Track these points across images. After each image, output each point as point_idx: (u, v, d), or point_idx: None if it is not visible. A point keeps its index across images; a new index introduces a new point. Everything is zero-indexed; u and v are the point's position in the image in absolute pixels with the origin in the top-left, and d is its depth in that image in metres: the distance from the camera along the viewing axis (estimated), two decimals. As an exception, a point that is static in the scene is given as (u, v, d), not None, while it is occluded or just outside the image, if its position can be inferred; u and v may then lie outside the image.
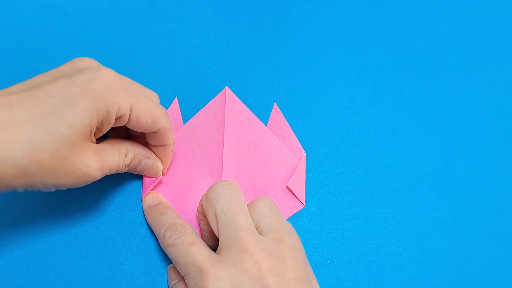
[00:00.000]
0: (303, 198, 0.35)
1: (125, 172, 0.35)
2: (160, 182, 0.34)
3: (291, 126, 0.37)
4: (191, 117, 0.36)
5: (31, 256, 0.33)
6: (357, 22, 0.41)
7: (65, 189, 0.28)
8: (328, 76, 0.39)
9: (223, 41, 0.39)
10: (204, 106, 0.37)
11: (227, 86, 0.37)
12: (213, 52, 0.39)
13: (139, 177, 0.35)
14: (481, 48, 0.41)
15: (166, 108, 0.37)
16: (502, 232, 0.36)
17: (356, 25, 0.41)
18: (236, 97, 0.37)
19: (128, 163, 0.31)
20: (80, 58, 0.30)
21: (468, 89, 0.40)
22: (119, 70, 0.31)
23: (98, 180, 0.34)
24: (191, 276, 0.28)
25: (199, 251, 0.28)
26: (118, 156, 0.30)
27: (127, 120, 0.29)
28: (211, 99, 0.37)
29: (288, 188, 0.35)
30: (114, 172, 0.30)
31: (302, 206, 0.35)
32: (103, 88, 0.27)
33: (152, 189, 0.34)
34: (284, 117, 0.37)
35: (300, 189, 0.35)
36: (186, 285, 0.29)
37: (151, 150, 0.33)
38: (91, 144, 0.28)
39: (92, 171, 0.28)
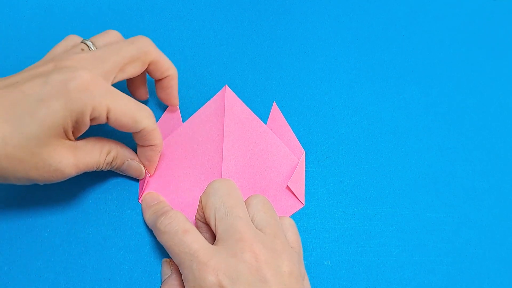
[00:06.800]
0: (302, 197, 0.35)
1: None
2: (148, 182, 0.34)
3: (290, 126, 0.37)
4: (190, 116, 0.36)
5: (31, 256, 0.33)
6: (357, 22, 0.41)
7: (42, 184, 0.29)
8: (328, 76, 0.39)
9: (223, 40, 0.40)
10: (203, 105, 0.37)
11: (226, 85, 0.37)
12: (213, 51, 0.39)
13: (139, 176, 0.35)
14: (481, 48, 0.41)
15: (165, 107, 0.37)
16: (501, 232, 0.36)
17: (355, 25, 0.41)
18: (236, 96, 0.37)
19: (110, 161, 0.32)
20: (62, 43, 0.32)
21: (467, 89, 0.40)
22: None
23: (97, 180, 0.34)
24: (186, 265, 0.27)
25: (195, 240, 0.28)
26: (98, 154, 0.31)
27: (104, 121, 0.29)
28: (210, 98, 0.37)
29: (288, 187, 0.35)
30: (95, 169, 0.31)
31: (302, 206, 0.35)
32: (77, 90, 0.27)
33: (146, 189, 0.34)
34: (284, 116, 0.37)
35: (300, 189, 0.35)
36: (178, 278, 0.30)
37: (138, 151, 0.33)
38: (66, 141, 0.29)
39: (64, 167, 0.29)
